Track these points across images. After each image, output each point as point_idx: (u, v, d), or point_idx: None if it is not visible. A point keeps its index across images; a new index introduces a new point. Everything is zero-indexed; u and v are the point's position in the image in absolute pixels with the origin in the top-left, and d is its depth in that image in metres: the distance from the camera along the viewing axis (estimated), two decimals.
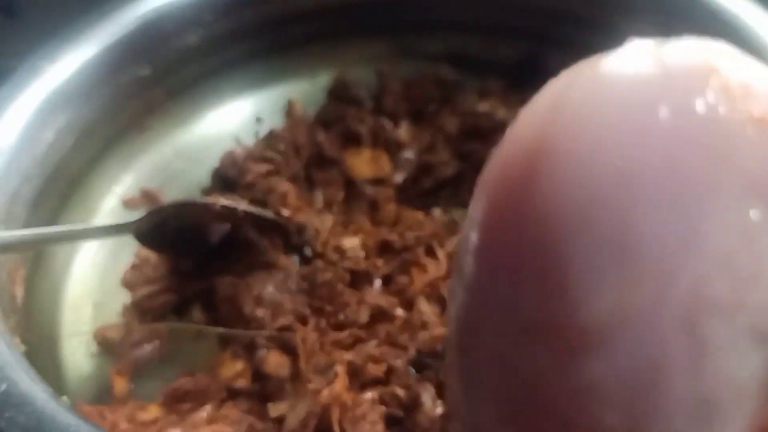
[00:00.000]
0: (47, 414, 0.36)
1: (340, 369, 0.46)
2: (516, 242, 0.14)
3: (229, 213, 0.51)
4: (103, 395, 0.52)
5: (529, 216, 0.14)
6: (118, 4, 0.61)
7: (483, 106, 0.68)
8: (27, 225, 0.53)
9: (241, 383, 0.51)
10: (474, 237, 0.15)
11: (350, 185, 0.64)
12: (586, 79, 0.16)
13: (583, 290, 0.14)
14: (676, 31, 0.19)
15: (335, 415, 0.45)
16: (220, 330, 0.52)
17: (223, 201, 0.51)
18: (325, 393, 0.45)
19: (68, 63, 0.58)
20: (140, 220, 0.50)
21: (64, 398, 0.38)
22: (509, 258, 0.14)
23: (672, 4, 0.60)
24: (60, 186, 0.58)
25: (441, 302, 0.54)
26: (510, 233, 0.14)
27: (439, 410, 0.48)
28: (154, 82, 0.65)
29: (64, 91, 0.57)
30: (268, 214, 0.55)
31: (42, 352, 0.52)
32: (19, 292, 0.52)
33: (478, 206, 0.16)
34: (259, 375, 0.51)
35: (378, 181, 0.64)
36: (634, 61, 0.15)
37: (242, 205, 0.52)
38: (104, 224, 0.57)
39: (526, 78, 0.70)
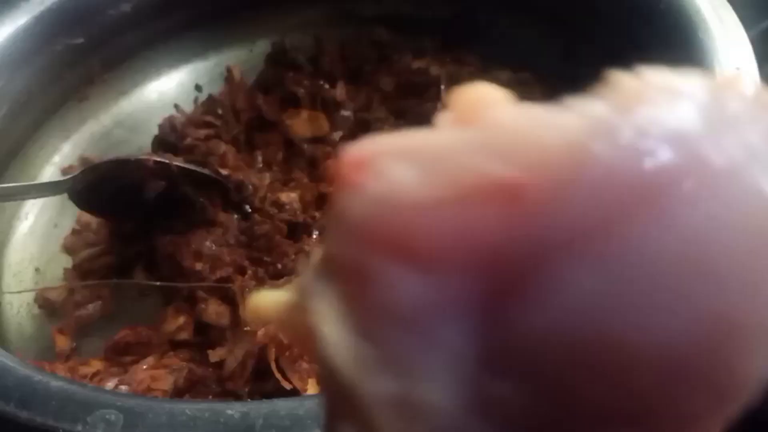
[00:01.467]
0: None
1: None
2: None
3: (163, 169, 0.52)
4: (45, 354, 0.52)
5: None
6: None
7: (417, 64, 0.69)
8: None
9: (183, 336, 0.52)
10: None
11: (290, 146, 0.65)
12: None
13: None
14: None
15: (272, 353, 0.46)
16: (160, 283, 0.53)
17: (156, 157, 0.52)
18: (261, 333, 0.46)
19: None
20: (74, 177, 0.51)
21: None
22: None
23: None
24: None
25: None
26: None
27: None
28: (89, 51, 0.65)
29: None
30: (204, 170, 0.56)
31: None
32: None
33: None
34: (200, 327, 0.52)
35: (317, 140, 0.65)
36: None
37: (176, 161, 0.53)
38: (36, 182, 0.57)
39: (458, 36, 0.72)
